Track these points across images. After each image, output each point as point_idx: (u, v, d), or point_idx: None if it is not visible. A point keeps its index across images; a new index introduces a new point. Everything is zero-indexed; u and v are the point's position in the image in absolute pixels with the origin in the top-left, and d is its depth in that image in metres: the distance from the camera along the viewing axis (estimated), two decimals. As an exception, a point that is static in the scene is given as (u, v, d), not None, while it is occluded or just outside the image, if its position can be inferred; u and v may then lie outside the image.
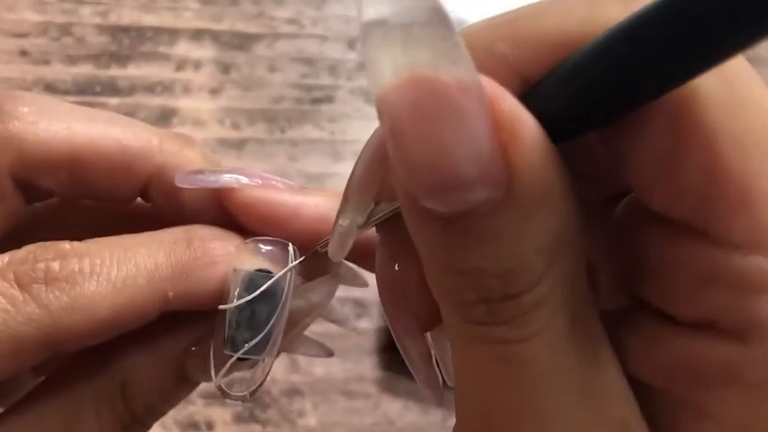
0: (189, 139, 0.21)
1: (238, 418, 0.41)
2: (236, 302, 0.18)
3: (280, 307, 0.18)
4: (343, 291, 0.45)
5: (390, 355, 0.44)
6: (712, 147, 0.13)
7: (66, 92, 0.44)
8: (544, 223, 0.14)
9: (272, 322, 0.18)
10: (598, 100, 0.14)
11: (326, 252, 0.22)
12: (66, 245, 0.18)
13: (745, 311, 0.14)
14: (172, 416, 0.41)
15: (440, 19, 0.13)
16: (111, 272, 0.18)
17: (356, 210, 0.18)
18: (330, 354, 0.24)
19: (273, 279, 0.18)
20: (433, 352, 0.21)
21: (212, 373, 0.19)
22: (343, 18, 0.49)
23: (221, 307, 0.18)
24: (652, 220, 0.15)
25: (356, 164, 0.17)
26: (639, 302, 0.16)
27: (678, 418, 0.16)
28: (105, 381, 0.19)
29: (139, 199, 0.21)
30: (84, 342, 0.18)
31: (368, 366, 0.43)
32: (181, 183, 0.20)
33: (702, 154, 0.13)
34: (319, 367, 0.43)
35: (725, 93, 0.13)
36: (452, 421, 0.46)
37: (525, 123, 0.13)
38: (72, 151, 0.19)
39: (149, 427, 0.20)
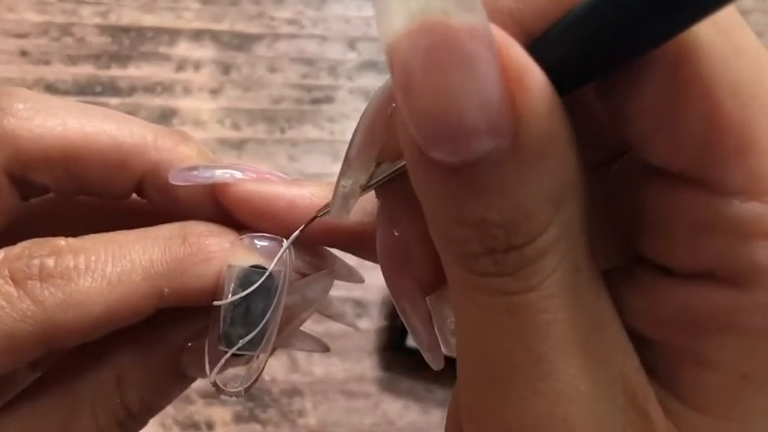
0: (184, 134, 0.21)
1: (238, 418, 0.41)
2: (230, 298, 0.18)
3: (274, 303, 0.18)
4: (343, 290, 0.45)
5: (390, 355, 0.44)
6: (710, 96, 0.13)
7: (66, 92, 0.44)
8: (549, 174, 0.14)
9: (266, 318, 0.18)
10: (598, 50, 0.14)
11: (323, 248, 0.22)
12: (61, 241, 0.18)
13: (744, 258, 0.14)
14: (172, 415, 0.41)
15: None
16: (106, 268, 0.18)
17: (359, 169, 0.18)
18: (326, 349, 0.24)
19: (267, 274, 0.18)
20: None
21: (207, 368, 0.19)
22: (343, 18, 0.49)
23: (216, 303, 0.18)
24: (649, 175, 0.15)
25: (358, 124, 0.17)
26: (636, 258, 0.16)
27: (677, 369, 0.16)
28: (101, 376, 0.19)
29: (135, 195, 0.21)
30: (79, 338, 0.18)
31: (368, 366, 0.43)
32: (174, 180, 0.20)
33: (701, 103, 0.13)
34: (319, 367, 0.43)
35: (722, 43, 0.13)
36: (452, 421, 0.45)
37: (533, 73, 0.13)
38: (67, 147, 0.19)
39: (145, 423, 0.20)
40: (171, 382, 0.20)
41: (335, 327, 0.43)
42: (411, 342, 0.41)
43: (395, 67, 0.13)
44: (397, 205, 0.19)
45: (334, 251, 0.22)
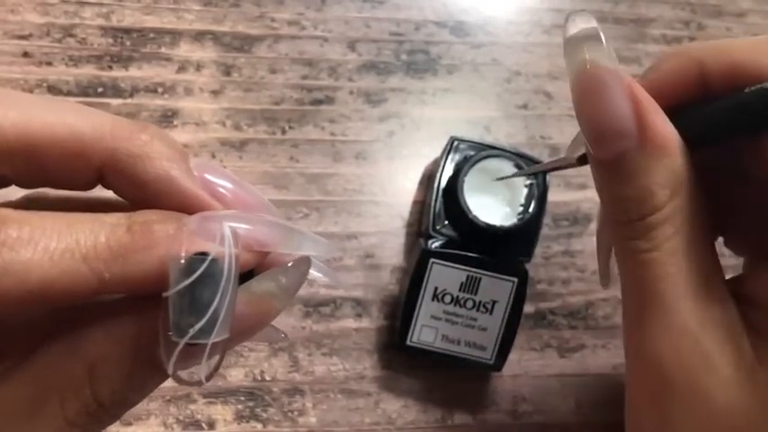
0: (143, 124, 0.21)
1: (239, 417, 0.41)
2: (174, 288, 0.18)
3: (221, 288, 0.18)
4: (342, 290, 0.45)
5: (390, 355, 0.44)
6: None
7: (68, 93, 0.44)
8: (664, 166, 0.22)
9: (214, 305, 0.18)
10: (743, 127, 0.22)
11: (285, 226, 0.22)
12: (8, 211, 0.18)
13: None
14: (173, 414, 0.41)
15: (600, 36, 0.23)
16: (50, 243, 0.18)
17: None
18: (284, 337, 0.24)
19: (208, 261, 0.18)
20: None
21: (163, 360, 0.18)
22: (344, 19, 0.49)
23: (163, 294, 0.18)
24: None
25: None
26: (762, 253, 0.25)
27: None
28: (71, 367, 0.19)
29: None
30: (13, 308, 0.17)
31: (368, 365, 0.44)
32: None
33: None
34: (320, 366, 0.43)
35: None
36: (452, 421, 0.46)
37: (651, 100, 0.23)
38: (27, 137, 0.19)
39: (119, 416, 0.20)
40: (146, 375, 0.20)
41: (335, 326, 0.44)
42: (411, 341, 0.42)
43: (573, 92, 0.23)
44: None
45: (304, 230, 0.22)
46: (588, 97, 0.22)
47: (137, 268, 0.18)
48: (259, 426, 0.41)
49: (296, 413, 0.42)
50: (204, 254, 0.18)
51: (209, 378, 0.19)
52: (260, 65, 0.47)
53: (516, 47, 0.51)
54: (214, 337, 0.18)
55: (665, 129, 0.22)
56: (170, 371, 0.18)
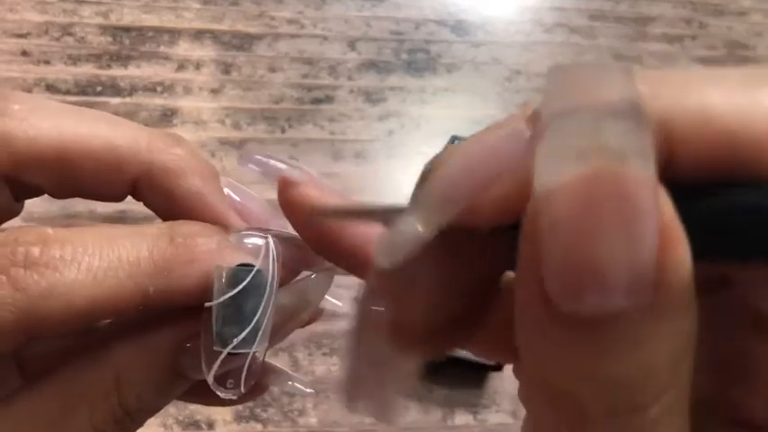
0: (177, 137, 0.21)
1: (239, 417, 0.41)
2: (220, 299, 0.18)
3: (264, 299, 0.18)
4: (343, 290, 0.45)
5: (390, 355, 0.44)
6: None
7: (67, 92, 0.44)
8: (680, 332, 0.13)
9: (257, 315, 0.18)
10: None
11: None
12: (48, 230, 0.18)
13: None
14: (173, 415, 0.41)
15: (637, 112, 0.12)
16: (92, 261, 0.18)
17: (427, 220, 0.15)
18: (311, 390, 0.24)
19: (254, 272, 0.18)
20: None
21: (204, 370, 0.18)
22: (344, 18, 0.49)
23: (207, 304, 0.18)
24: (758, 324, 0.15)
25: (445, 164, 0.15)
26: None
27: None
28: (99, 375, 0.19)
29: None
30: (59, 329, 0.17)
31: (368, 365, 0.44)
32: (243, 163, 0.20)
33: None
34: (320, 366, 0.43)
35: None
36: (452, 421, 0.46)
37: (681, 233, 0.12)
38: (60, 149, 0.19)
39: (143, 422, 0.20)
40: (170, 383, 0.20)
41: (336, 327, 0.43)
42: (411, 341, 0.41)
43: (547, 213, 0.12)
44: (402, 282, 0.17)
45: None
46: (589, 225, 0.12)
47: (181, 282, 0.18)
48: (259, 426, 0.41)
49: (296, 413, 0.42)
50: (248, 265, 0.18)
51: (247, 387, 0.19)
52: (259, 64, 0.47)
53: (517, 46, 0.50)
54: (256, 347, 0.18)
55: (689, 276, 0.13)
56: (210, 380, 0.19)
